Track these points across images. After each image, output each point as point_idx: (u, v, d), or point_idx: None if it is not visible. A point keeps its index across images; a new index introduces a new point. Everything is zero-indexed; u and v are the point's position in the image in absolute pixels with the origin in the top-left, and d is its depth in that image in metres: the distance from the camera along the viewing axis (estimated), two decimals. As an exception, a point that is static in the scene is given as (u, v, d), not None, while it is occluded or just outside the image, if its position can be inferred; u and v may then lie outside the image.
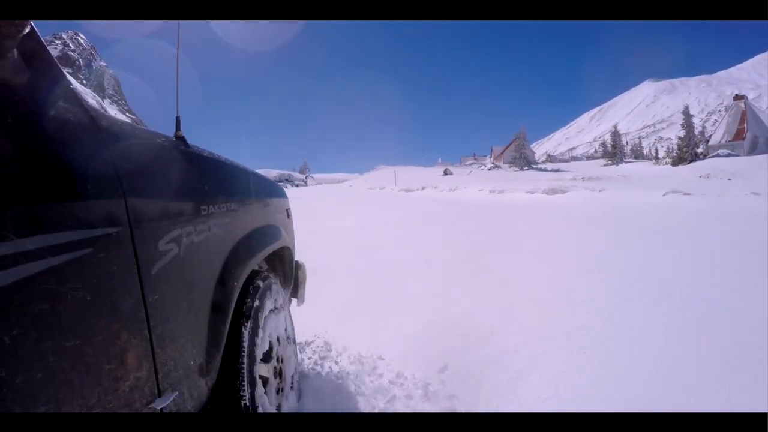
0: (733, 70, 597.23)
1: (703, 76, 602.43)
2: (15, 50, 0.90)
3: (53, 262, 0.83)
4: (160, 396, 1.17)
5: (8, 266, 0.74)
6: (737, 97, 61.49)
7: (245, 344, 1.80)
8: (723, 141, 56.80)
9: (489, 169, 77.12)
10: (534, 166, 74.74)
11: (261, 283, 2.15)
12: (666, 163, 59.27)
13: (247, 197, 2.20)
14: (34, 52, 0.96)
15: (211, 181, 1.75)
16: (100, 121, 1.12)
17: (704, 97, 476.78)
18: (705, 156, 52.12)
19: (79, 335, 0.90)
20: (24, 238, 0.78)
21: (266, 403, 1.96)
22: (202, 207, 1.57)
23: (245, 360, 1.77)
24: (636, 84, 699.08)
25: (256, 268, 2.31)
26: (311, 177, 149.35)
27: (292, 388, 2.52)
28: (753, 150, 52.74)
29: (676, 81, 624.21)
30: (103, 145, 1.10)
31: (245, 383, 1.73)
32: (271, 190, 2.79)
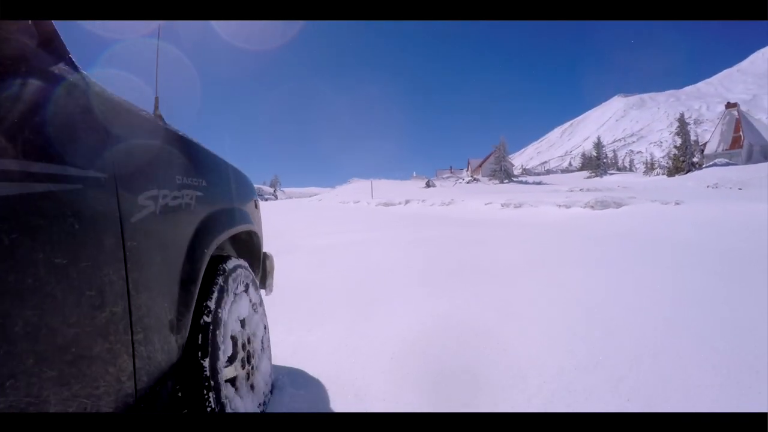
0: (701, 84, 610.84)
1: (671, 91, 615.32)
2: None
3: (51, 187, 1.00)
4: (132, 336, 1.28)
5: (15, 180, 0.89)
6: (729, 105, 59.63)
7: (212, 314, 1.92)
8: (719, 150, 55.41)
9: (467, 182, 74.17)
10: (514, 179, 72.55)
11: (230, 263, 2.30)
12: (658, 174, 58.18)
13: (218, 178, 2.35)
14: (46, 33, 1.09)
15: (185, 157, 1.91)
16: (94, 87, 1.30)
17: (673, 111, 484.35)
18: (701, 166, 50.87)
19: (67, 255, 1.03)
20: (30, 161, 0.95)
21: (227, 379, 2.08)
22: (176, 176, 1.73)
23: (210, 330, 1.88)
24: (606, 99, 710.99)
25: (228, 255, 2.52)
26: (281, 191, 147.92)
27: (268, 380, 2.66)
28: (749, 158, 51.67)
29: (645, 96, 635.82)
30: (96, 107, 1.28)
31: (210, 351, 1.83)
32: (241, 179, 2.92)
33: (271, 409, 2.57)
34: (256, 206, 3.25)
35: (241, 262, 2.51)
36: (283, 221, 21.38)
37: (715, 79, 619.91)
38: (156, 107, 2.24)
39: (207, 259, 1.92)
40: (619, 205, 17.23)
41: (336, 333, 3.94)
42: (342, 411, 2.46)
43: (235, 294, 2.35)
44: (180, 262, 1.68)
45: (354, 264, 7.83)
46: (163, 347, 1.49)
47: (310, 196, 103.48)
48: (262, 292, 3.33)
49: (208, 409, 1.72)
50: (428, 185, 67.51)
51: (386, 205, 34.47)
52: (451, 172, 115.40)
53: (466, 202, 26.55)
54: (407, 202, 33.35)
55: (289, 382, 2.96)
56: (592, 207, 17.45)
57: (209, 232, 2.00)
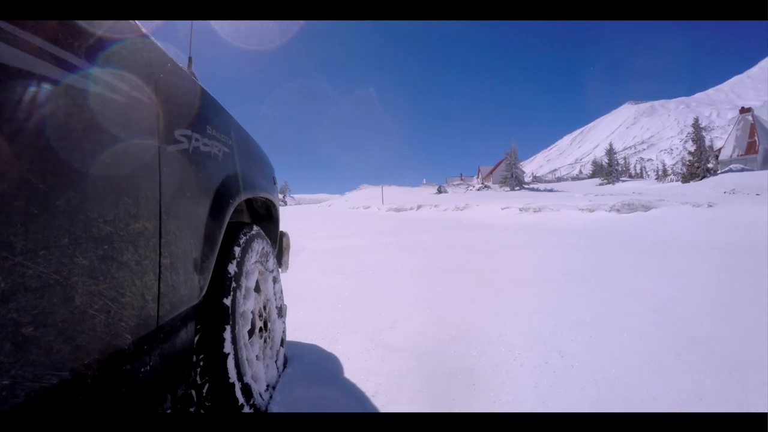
0: (711, 91, 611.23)
1: (681, 98, 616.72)
2: None
3: (101, 90, 1.08)
4: (160, 258, 1.31)
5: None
6: (743, 110, 59.20)
7: (234, 269, 2.00)
8: (734, 155, 55.13)
9: (478, 189, 73.71)
10: (525, 186, 70.57)
11: (252, 228, 2.41)
12: (672, 180, 57.81)
13: (243, 143, 2.45)
14: None
15: (216, 114, 2.01)
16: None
17: (683, 118, 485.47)
18: (716, 171, 49.83)
19: (112, 157, 1.10)
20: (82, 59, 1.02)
21: (247, 341, 2.17)
22: (207, 126, 1.82)
23: (233, 284, 1.95)
24: (616, 106, 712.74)
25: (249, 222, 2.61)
26: (291, 197, 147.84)
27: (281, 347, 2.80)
28: (765, 163, 51.11)
29: (655, 103, 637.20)
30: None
31: (232, 306, 1.90)
32: (262, 153, 3.02)
33: (285, 381, 2.64)
34: (275, 183, 3.31)
35: (261, 231, 2.59)
36: (291, 227, 19.07)
37: (725, 85, 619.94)
38: (189, 65, 2.39)
39: (231, 210, 1.98)
40: (647, 208, 16.40)
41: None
42: (341, 411, 2.45)
43: (257, 260, 2.45)
44: (207, 206, 1.74)
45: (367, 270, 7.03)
46: (186, 282, 1.52)
47: (319, 203, 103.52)
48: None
49: (228, 370, 1.78)
50: (440, 191, 67.42)
51: (397, 210, 33.96)
52: (462, 179, 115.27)
53: (482, 206, 25.41)
54: (419, 207, 32.84)
55: (302, 356, 3.05)
56: (618, 210, 16.62)
57: (235, 185, 2.09)
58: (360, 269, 7.13)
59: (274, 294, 2.79)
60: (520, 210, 20.64)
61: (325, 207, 63.02)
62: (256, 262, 2.42)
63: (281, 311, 2.89)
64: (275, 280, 2.84)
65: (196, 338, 1.72)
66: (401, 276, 6.39)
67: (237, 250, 2.07)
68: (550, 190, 59.97)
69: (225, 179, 1.97)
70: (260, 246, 2.47)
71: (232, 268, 1.96)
